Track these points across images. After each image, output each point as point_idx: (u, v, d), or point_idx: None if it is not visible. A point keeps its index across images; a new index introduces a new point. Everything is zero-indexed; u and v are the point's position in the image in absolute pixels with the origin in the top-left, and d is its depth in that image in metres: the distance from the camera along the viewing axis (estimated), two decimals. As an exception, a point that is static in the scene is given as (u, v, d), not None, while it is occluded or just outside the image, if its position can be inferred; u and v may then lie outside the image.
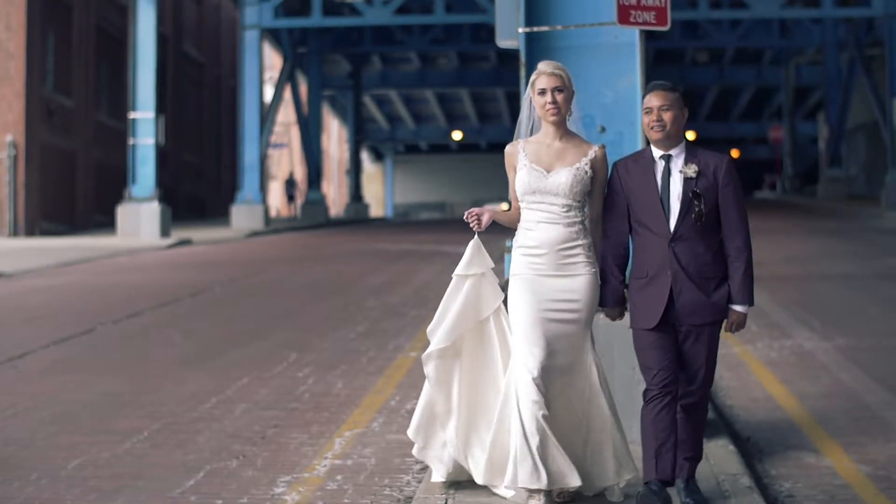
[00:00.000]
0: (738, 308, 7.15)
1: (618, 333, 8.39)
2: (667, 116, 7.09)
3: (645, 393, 7.20)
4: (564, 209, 7.22)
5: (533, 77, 7.33)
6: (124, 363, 13.57)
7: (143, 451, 9.46)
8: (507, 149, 7.41)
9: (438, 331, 7.47)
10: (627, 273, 7.33)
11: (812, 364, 13.05)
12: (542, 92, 7.27)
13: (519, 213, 7.37)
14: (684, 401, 7.20)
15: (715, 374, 7.40)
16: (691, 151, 7.14)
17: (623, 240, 7.22)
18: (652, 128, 7.12)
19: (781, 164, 68.16)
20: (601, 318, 7.55)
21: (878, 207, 43.23)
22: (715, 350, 7.22)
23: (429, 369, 7.49)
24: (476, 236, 7.45)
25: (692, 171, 7.03)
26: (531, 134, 7.43)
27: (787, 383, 12.05)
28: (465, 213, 7.39)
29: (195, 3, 56.09)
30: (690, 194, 7.00)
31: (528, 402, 7.03)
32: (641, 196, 7.11)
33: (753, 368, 12.91)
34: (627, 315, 7.36)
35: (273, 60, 66.61)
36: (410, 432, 7.69)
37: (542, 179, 7.22)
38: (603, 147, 7.32)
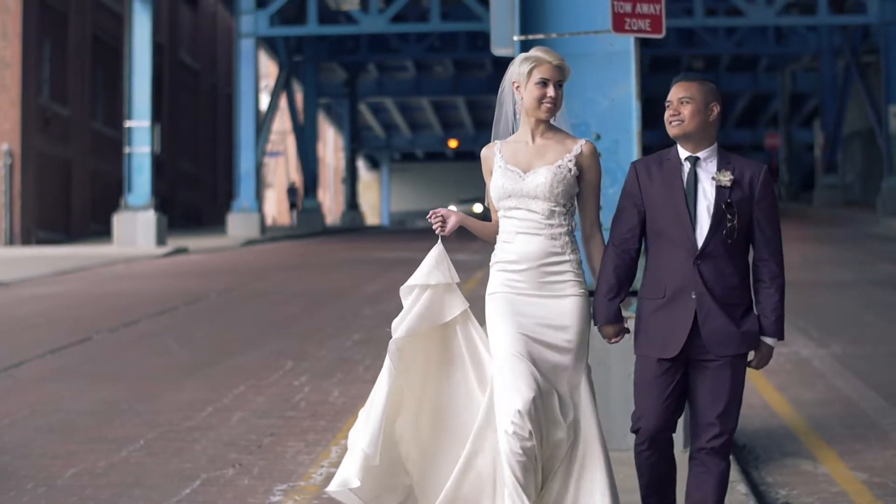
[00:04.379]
0: (768, 341, 6.19)
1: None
2: (686, 110, 6.15)
3: (636, 434, 6.27)
4: (546, 216, 6.26)
5: (529, 65, 6.32)
6: (121, 372, 13.57)
7: (139, 459, 9.45)
8: (483, 152, 6.48)
9: (400, 325, 6.38)
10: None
11: (808, 371, 13.06)
12: (543, 83, 6.29)
13: (495, 226, 6.47)
14: (703, 449, 6.18)
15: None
16: (724, 157, 6.22)
17: (631, 249, 6.25)
18: (670, 122, 6.21)
19: (777, 171, 68.24)
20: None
21: (873, 214, 43.32)
22: (742, 384, 6.21)
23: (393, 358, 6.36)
24: (440, 242, 6.45)
25: (727, 179, 6.10)
26: (511, 134, 6.52)
27: (783, 390, 12.06)
28: (430, 213, 6.47)
29: (191, 12, 56.13)
30: (723, 206, 6.08)
31: (511, 451, 6.04)
32: (664, 203, 6.16)
33: (750, 375, 12.89)
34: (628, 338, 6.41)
35: (269, 69, 66.67)
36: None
37: (517, 181, 6.28)
38: (591, 142, 6.41)
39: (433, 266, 6.44)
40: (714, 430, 6.14)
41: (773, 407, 11.37)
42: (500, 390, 6.11)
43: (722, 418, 6.14)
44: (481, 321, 6.46)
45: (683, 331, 6.09)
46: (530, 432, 6.01)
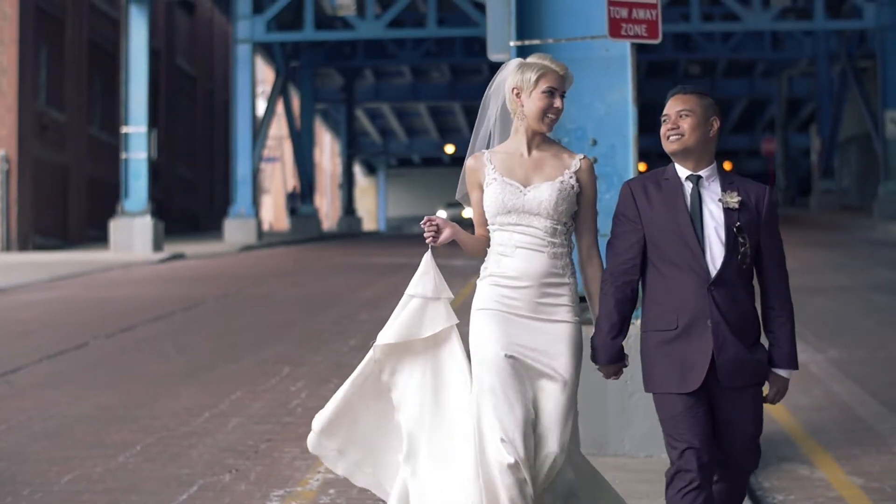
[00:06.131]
0: (782, 373, 5.80)
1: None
2: (686, 124, 5.73)
3: (674, 478, 5.69)
4: (548, 233, 5.92)
5: (536, 73, 5.97)
6: (117, 377, 13.56)
7: (136, 465, 9.45)
8: (469, 163, 6.11)
9: (384, 333, 6.12)
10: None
11: (805, 376, 13.05)
12: (550, 92, 5.95)
13: (484, 241, 6.12)
14: (721, 484, 5.83)
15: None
16: (726, 176, 5.81)
17: (633, 280, 5.81)
18: (668, 137, 5.78)
19: (774, 176, 68.29)
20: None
21: (870, 219, 43.32)
22: (762, 415, 5.81)
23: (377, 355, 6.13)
24: (429, 252, 6.12)
25: (735, 201, 5.68)
26: (488, 146, 6.18)
27: (779, 396, 12.05)
28: (424, 218, 6.10)
29: (187, 17, 56.13)
30: (735, 229, 5.66)
31: (503, 484, 5.74)
32: (667, 226, 5.70)
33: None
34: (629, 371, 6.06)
35: (265, 74, 66.67)
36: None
37: (518, 196, 5.92)
38: (587, 158, 6.07)
39: (417, 277, 6.16)
40: (734, 468, 5.81)
41: (769, 412, 11.34)
42: (485, 417, 5.81)
43: (743, 452, 5.79)
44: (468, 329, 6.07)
45: (704, 362, 5.63)
46: (519, 461, 5.73)
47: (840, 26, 49.37)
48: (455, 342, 6.11)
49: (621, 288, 5.79)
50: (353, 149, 65.88)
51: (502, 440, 5.74)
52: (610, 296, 5.80)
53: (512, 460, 5.72)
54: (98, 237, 41.28)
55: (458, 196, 6.27)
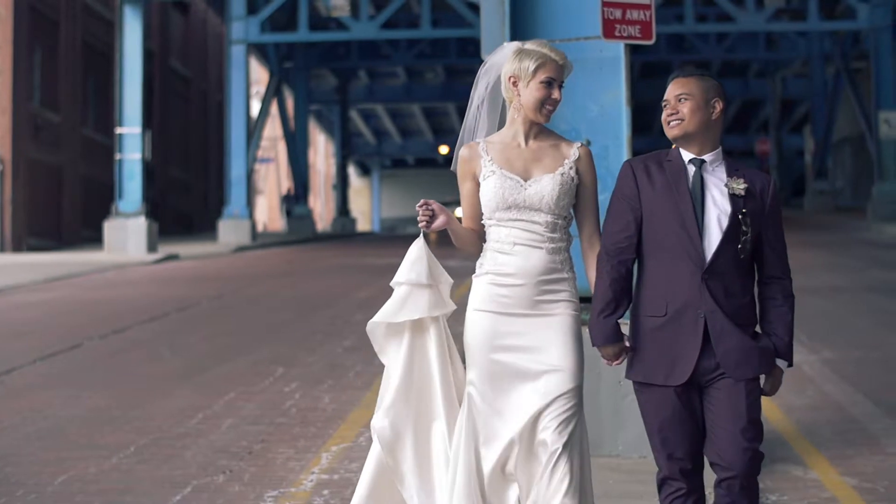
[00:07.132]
0: (781, 364, 5.65)
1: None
2: (685, 108, 5.53)
3: (662, 484, 5.62)
4: (548, 228, 5.69)
5: (535, 63, 5.73)
6: (111, 378, 13.56)
7: (129, 466, 9.45)
8: (463, 152, 5.84)
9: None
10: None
11: (799, 377, 13.06)
12: (549, 83, 5.72)
13: (475, 235, 5.88)
14: (728, 482, 5.53)
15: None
16: (731, 163, 5.61)
17: (628, 259, 5.55)
18: (668, 123, 5.58)
19: (768, 176, 68.30)
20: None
21: (864, 220, 43.35)
22: (760, 406, 5.67)
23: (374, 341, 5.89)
24: (421, 237, 5.82)
25: (741, 187, 5.48)
26: (475, 136, 5.94)
27: (773, 396, 12.04)
28: (421, 201, 5.80)
29: (182, 19, 56.09)
30: (739, 216, 5.44)
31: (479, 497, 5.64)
32: (668, 209, 5.49)
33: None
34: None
35: (259, 75, 66.62)
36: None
37: (519, 190, 5.67)
38: (585, 145, 5.87)
39: (409, 264, 5.82)
40: (738, 463, 5.51)
41: (763, 412, 11.36)
42: (475, 423, 5.67)
43: (747, 443, 5.54)
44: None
45: (692, 354, 5.43)
46: (501, 471, 5.60)
47: (834, 27, 49.41)
48: (435, 334, 5.84)
49: (616, 267, 5.54)
50: (347, 150, 65.87)
51: (494, 456, 5.63)
52: (605, 275, 5.56)
53: (490, 467, 5.61)
54: (92, 238, 41.25)
55: (453, 167, 6.00)
